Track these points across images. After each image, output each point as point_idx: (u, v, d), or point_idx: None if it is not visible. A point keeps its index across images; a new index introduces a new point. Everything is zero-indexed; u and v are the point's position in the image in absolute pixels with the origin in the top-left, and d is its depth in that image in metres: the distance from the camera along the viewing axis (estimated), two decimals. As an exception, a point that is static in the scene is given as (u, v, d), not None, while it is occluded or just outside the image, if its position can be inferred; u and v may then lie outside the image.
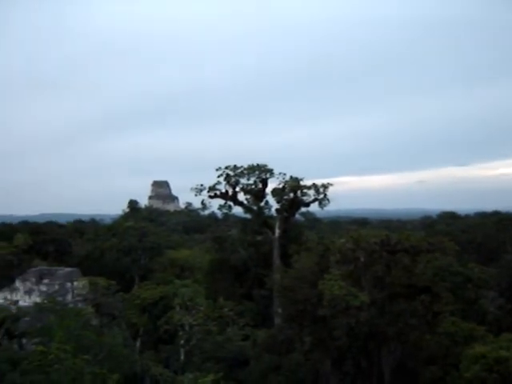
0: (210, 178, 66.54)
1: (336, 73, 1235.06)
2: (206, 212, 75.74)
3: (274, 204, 65.96)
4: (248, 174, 64.93)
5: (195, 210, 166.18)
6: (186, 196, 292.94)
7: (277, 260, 61.24)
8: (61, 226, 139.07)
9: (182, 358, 47.86)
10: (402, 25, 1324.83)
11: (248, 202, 65.98)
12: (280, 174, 65.44)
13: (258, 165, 65.35)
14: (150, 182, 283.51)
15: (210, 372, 43.03)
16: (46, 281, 64.02)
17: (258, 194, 65.71)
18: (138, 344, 52.34)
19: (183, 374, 44.60)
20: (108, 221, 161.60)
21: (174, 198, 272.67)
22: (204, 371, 44.13)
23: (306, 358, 43.26)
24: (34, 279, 64.28)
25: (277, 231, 63.26)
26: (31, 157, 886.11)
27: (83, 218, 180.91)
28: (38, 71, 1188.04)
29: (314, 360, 43.28)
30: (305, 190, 64.34)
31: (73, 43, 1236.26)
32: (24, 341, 46.94)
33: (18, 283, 65.01)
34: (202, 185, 66.33)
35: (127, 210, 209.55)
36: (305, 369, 42.96)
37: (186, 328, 48.57)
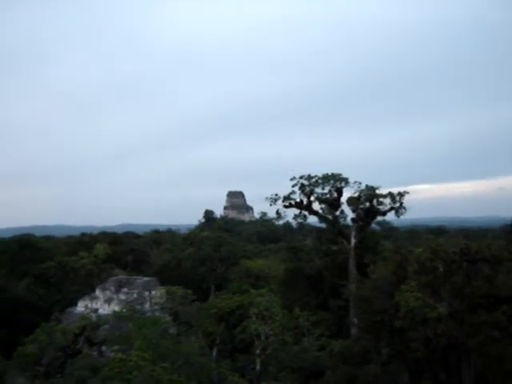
0: (285, 188, 66.60)
1: (408, 78, 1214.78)
2: (281, 222, 75.64)
3: (349, 213, 65.42)
4: (323, 183, 64.53)
5: (270, 220, 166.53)
6: (260, 206, 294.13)
7: (352, 270, 60.59)
8: (138, 236, 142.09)
9: (258, 367, 47.93)
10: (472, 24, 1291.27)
11: (323, 211, 65.53)
12: (355, 182, 64.82)
13: (332, 174, 64.90)
14: (225, 192, 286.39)
15: (285, 382, 43.01)
16: (124, 290, 65.29)
17: (333, 203, 65.19)
18: (214, 353, 52.77)
19: (259, 384, 44.75)
20: (184, 231, 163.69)
21: (249, 208, 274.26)
22: (280, 381, 44.14)
23: (382, 370, 42.50)
24: (113, 288, 65.67)
25: (352, 240, 62.61)
26: (110, 168, 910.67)
27: (160, 228, 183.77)
28: (115, 83, 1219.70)
29: (391, 372, 42.50)
30: (381, 199, 63.38)
31: (148, 56, 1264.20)
32: (103, 348, 48.00)
33: (98, 292, 66.55)
34: (276, 194, 66.37)
35: (203, 220, 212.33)
36: (382, 381, 42.20)
37: (262, 337, 48.63)
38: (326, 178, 64.67)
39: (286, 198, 65.77)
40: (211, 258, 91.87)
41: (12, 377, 45.62)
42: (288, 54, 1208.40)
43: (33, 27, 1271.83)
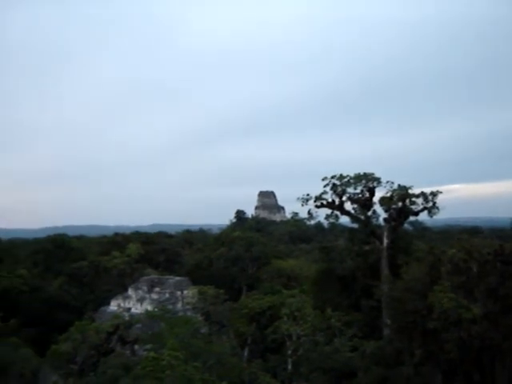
0: (316, 188, 66.25)
1: (437, 76, 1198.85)
2: (313, 222, 75.27)
3: (381, 213, 64.88)
4: (355, 183, 64.04)
5: (301, 220, 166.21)
6: (291, 206, 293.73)
7: (385, 270, 60.10)
8: (170, 236, 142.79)
9: (290, 368, 47.84)
10: None
11: (355, 211, 65.10)
12: (387, 182, 64.22)
13: (364, 173, 64.41)
14: (257, 192, 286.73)
15: (317, 383, 42.84)
16: (157, 289, 65.66)
17: (365, 203, 64.71)
18: (245, 353, 52.83)
19: (291, 384, 44.63)
20: (216, 231, 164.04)
21: (280, 208, 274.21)
22: (311, 382, 43.99)
23: (415, 372, 42.16)
24: (145, 287, 66.11)
25: (385, 241, 62.12)
26: (143, 169, 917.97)
27: (191, 228, 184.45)
28: (149, 82, 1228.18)
29: (423, 373, 42.13)
30: (413, 199, 62.73)
31: (177, 57, 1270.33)
32: (136, 347, 48.34)
33: (130, 291, 67.05)
34: (308, 194, 66.07)
35: (234, 220, 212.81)
36: (414, 382, 41.86)
37: (294, 338, 48.56)
38: (358, 178, 64.20)
39: (318, 198, 65.45)
40: (243, 257, 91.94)
41: (46, 375, 46.24)
42: (314, 52, 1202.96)
43: (63, 27, 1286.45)
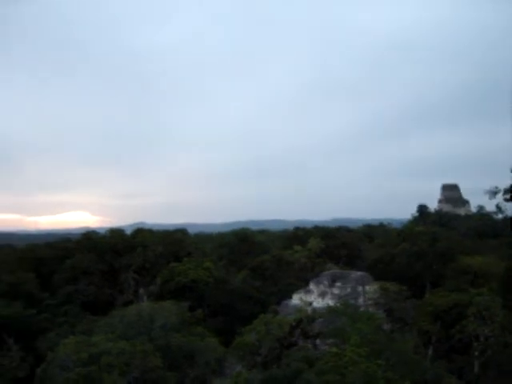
0: (504, 180, 62.78)
1: None
2: (501, 216, 71.46)
3: None
4: (550, 171, 59.95)
5: (488, 214, 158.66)
6: (476, 199, 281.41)
7: None
8: (350, 230, 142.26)
9: (476, 370, 45.89)
10: None
11: (549, 204, 60.96)
12: None
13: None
14: (439, 185, 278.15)
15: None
16: (338, 284, 65.80)
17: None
18: (429, 352, 51.39)
19: (478, 387, 42.80)
20: (396, 225, 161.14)
21: (465, 202, 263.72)
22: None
23: None
24: (326, 282, 66.48)
25: None
26: (324, 164, 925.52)
27: (372, 223, 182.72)
28: (327, 77, 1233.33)
29: None
30: None
31: (360, 47, 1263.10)
32: (318, 341, 48.70)
33: (311, 285, 67.74)
34: (496, 187, 62.78)
35: (416, 215, 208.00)
36: None
37: (481, 339, 46.50)
38: (554, 166, 59.91)
39: (508, 190, 62.02)
40: (426, 253, 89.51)
41: (231, 364, 47.90)
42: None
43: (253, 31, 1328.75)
